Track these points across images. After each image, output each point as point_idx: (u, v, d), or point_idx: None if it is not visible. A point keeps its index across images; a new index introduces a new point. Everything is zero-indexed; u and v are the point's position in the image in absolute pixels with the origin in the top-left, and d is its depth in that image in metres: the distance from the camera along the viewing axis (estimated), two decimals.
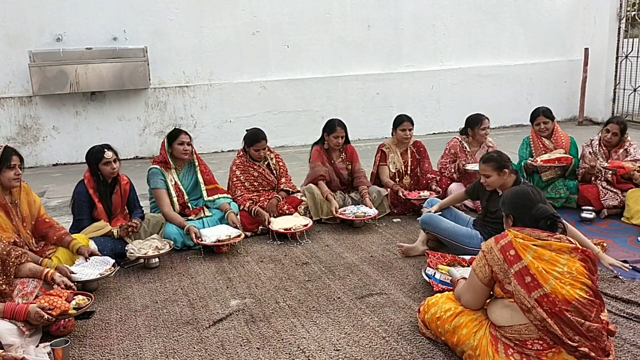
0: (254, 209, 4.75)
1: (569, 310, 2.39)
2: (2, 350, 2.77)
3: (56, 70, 7.67)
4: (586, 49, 9.86)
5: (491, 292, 2.67)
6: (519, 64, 10.08)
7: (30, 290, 3.27)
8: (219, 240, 4.29)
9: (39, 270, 3.35)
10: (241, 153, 5.10)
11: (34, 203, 3.88)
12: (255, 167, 5.03)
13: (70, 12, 7.93)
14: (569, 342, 2.37)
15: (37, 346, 2.98)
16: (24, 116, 7.99)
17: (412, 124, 5.27)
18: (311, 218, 4.86)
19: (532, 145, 5.37)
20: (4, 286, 3.14)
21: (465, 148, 5.38)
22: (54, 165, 8.14)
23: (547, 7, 10.10)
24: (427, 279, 3.56)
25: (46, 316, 2.96)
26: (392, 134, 5.38)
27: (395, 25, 9.40)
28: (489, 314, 2.64)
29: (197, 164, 4.82)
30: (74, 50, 7.83)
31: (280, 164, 5.19)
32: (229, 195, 4.91)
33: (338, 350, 2.92)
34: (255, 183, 5.03)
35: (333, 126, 5.17)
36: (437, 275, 3.51)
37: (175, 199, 4.61)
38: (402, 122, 5.25)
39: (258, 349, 2.96)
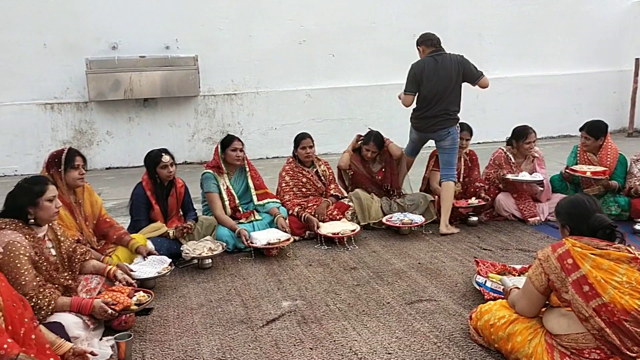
0: (303, 214, 4.84)
1: (628, 320, 2.37)
2: (72, 343, 2.91)
3: (111, 78, 8.00)
4: (637, 59, 9.64)
5: (547, 301, 2.67)
6: (567, 74, 9.93)
7: (93, 286, 3.42)
8: (269, 243, 4.39)
9: (102, 267, 3.51)
10: (291, 159, 5.22)
11: (95, 203, 4.07)
12: (304, 172, 5.14)
13: (125, 21, 8.26)
14: (627, 352, 2.36)
15: (100, 340, 3.13)
16: (79, 121, 8.34)
17: (471, 133, 5.28)
18: (358, 223, 4.92)
19: (578, 156, 5.30)
20: (70, 281, 3.30)
21: (510, 159, 5.32)
22: (106, 168, 8.46)
23: (596, 17, 9.93)
24: (477, 287, 3.57)
25: (110, 311, 3.10)
26: None
27: (441, 34, 9.14)
28: (545, 322, 2.64)
29: (248, 169, 4.95)
30: (128, 58, 8.15)
31: (329, 171, 5.30)
32: (278, 200, 5.02)
33: (390, 353, 2.96)
34: (303, 189, 5.13)
35: (367, 140, 5.25)
36: (488, 284, 3.51)
37: (227, 203, 4.75)
38: (461, 130, 5.23)
39: (311, 349, 3.03)
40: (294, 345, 3.07)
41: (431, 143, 5.23)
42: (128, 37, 8.29)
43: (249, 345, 3.08)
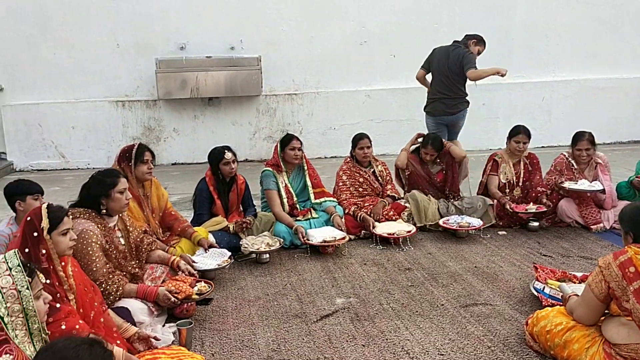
0: (359, 214, 4.89)
1: None
2: (137, 328, 3.08)
3: (179, 77, 8.31)
4: None
5: (607, 310, 2.60)
6: (639, 77, 9.47)
7: (158, 275, 3.60)
8: (324, 241, 4.47)
9: (167, 257, 3.69)
10: (348, 159, 5.27)
11: (162, 196, 4.28)
12: (361, 172, 5.19)
13: (193, 23, 8.56)
14: None
15: (163, 326, 3.30)
16: (148, 118, 8.72)
17: (529, 137, 5.15)
18: (414, 224, 4.91)
19: None
20: (136, 269, 3.49)
21: (572, 165, 5.14)
22: (172, 164, 8.80)
23: None
24: (535, 292, 3.50)
25: (173, 299, 3.26)
26: (506, 144, 5.29)
27: (506, 34, 9.20)
28: (604, 331, 2.58)
29: (306, 167, 5.04)
30: (195, 58, 8.44)
31: (386, 172, 5.32)
32: (335, 199, 5.08)
33: (442, 355, 2.96)
34: (360, 188, 5.18)
35: (425, 143, 5.26)
36: (547, 290, 3.44)
37: (285, 200, 4.86)
38: (518, 133, 5.14)
39: (363, 346, 3.08)
40: (347, 341, 3.13)
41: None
42: (195, 38, 8.59)
43: (303, 339, 3.17)
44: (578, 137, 5.06)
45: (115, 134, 8.67)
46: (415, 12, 8.97)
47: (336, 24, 8.86)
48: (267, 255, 4.39)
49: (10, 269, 1.99)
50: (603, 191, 4.94)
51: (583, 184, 4.94)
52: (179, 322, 3.15)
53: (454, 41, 6.04)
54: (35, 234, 2.52)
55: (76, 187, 3.41)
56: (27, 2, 8.33)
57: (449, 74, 5.91)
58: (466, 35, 6.05)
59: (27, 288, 1.99)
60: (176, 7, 8.55)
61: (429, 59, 6.17)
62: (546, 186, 5.18)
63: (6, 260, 2.02)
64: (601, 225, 4.93)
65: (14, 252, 2.07)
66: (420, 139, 5.42)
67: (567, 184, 4.98)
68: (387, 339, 3.14)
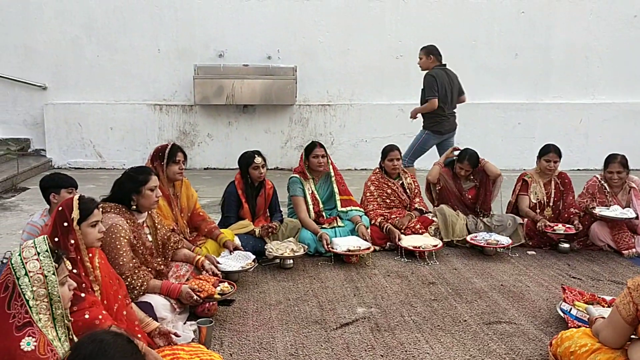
0: (385, 225, 4.87)
1: None
2: (158, 323, 3.13)
3: (216, 84, 8.47)
4: None
5: (634, 333, 2.52)
6: None
7: (182, 273, 3.66)
8: (349, 250, 4.46)
9: (192, 256, 3.74)
10: (377, 170, 5.27)
11: (191, 197, 4.35)
12: (389, 184, 5.17)
13: (232, 31, 8.73)
14: None
15: (184, 323, 3.33)
16: (184, 122, 8.90)
17: (559, 156, 5.06)
18: (441, 239, 4.86)
19: None
20: (162, 266, 3.55)
21: (605, 188, 5.01)
22: (204, 169, 8.94)
23: None
24: (561, 314, 3.42)
25: (195, 297, 3.30)
26: (536, 163, 5.21)
27: (545, 54, 9.08)
28: (630, 355, 2.49)
29: (333, 174, 5.04)
30: (233, 66, 8.60)
31: (415, 184, 5.28)
32: (362, 209, 5.07)
33: None
34: (387, 200, 5.16)
35: (462, 158, 5.25)
36: (573, 312, 3.35)
37: (311, 207, 4.87)
38: (548, 152, 5.07)
39: (382, 356, 3.05)
40: (365, 351, 3.10)
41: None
42: (234, 46, 8.75)
43: (321, 345, 3.16)
44: (610, 159, 4.95)
45: (151, 136, 8.86)
46: (453, 28, 8.94)
47: (373, 37, 8.90)
48: (291, 261, 4.40)
49: (39, 254, 2.05)
50: (636, 218, 4.80)
51: (615, 210, 4.81)
52: (199, 320, 3.19)
53: (444, 64, 6.35)
54: (66, 223, 2.59)
55: (110, 186, 3.50)
56: (74, 4, 8.63)
57: (454, 94, 6.35)
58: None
59: (54, 273, 2.04)
60: (216, 15, 8.74)
61: (437, 86, 6.18)
62: (579, 207, 5.06)
63: (35, 245, 2.08)
64: (634, 250, 4.78)
65: (43, 238, 2.14)
66: (455, 153, 5.39)
67: (598, 210, 4.85)
68: (406, 351, 3.10)
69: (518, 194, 5.21)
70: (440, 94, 6.15)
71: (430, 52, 6.28)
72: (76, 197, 2.70)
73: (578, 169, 8.96)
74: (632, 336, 2.54)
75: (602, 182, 5.05)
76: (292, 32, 8.79)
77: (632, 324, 2.47)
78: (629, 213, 4.77)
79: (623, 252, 4.78)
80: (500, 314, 3.62)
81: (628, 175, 4.98)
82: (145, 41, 8.74)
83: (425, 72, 6.27)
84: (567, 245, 4.89)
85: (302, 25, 8.80)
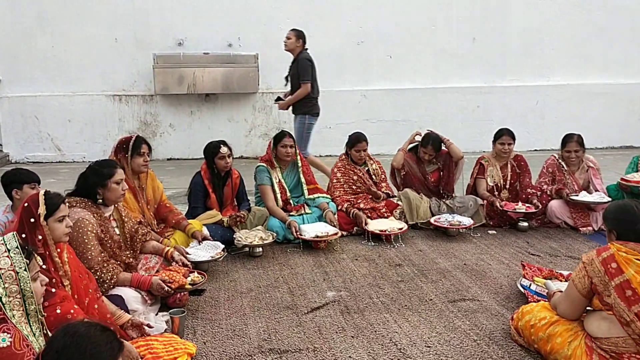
0: (352, 210, 4.96)
1: None
2: (130, 315, 3.13)
3: (176, 73, 8.37)
4: None
5: (589, 305, 2.67)
6: (633, 83, 9.59)
7: (152, 265, 3.66)
8: (317, 236, 4.53)
9: (161, 248, 3.75)
10: (343, 157, 5.34)
11: (157, 189, 4.33)
12: (355, 170, 5.25)
13: (191, 19, 8.63)
14: None
15: (156, 314, 3.34)
16: (145, 113, 8.78)
17: (513, 139, 5.24)
18: (406, 222, 4.98)
19: (639, 168, 5.16)
20: (131, 259, 3.54)
21: (563, 167, 5.22)
22: (168, 159, 8.86)
23: None
24: (522, 289, 3.58)
25: (166, 288, 3.31)
26: (492, 147, 5.38)
27: (502, 38, 9.31)
28: (586, 325, 2.65)
29: (300, 164, 5.10)
30: (193, 55, 8.51)
31: (381, 170, 5.38)
32: (328, 196, 5.15)
33: (429, 347, 3.03)
34: (353, 186, 5.24)
35: (425, 142, 5.31)
36: (533, 287, 3.52)
37: (278, 195, 4.92)
38: (502, 135, 5.25)
39: (352, 337, 3.14)
40: (336, 333, 3.19)
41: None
42: (193, 34, 8.65)
43: (293, 330, 3.23)
44: (567, 138, 5.16)
45: (111, 128, 8.71)
46: (412, 14, 9.06)
47: (333, 23, 8.94)
48: (260, 249, 4.44)
49: (9, 251, 2.04)
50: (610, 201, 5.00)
51: (586, 196, 4.99)
52: (171, 311, 3.20)
53: (307, 48, 6.53)
54: (32, 219, 2.57)
55: (71, 180, 3.46)
56: None
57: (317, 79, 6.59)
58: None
59: (25, 270, 2.04)
60: (174, 3, 8.62)
61: (312, 71, 6.47)
62: (537, 187, 5.26)
63: (5, 242, 2.07)
64: (590, 228, 5.00)
65: (13, 234, 2.12)
66: (417, 137, 5.50)
67: (576, 197, 4.99)
68: (375, 331, 3.20)
69: (476, 177, 5.38)
70: (313, 79, 6.46)
71: (300, 37, 6.47)
72: (42, 192, 2.67)
73: (535, 149, 9.26)
74: (588, 308, 2.70)
75: (560, 161, 5.25)
76: (252, 19, 8.75)
77: (587, 296, 2.62)
78: (603, 198, 4.96)
79: (580, 229, 5.00)
80: (464, 292, 3.76)
81: (584, 154, 5.20)
82: (101, 31, 8.55)
83: (290, 53, 6.53)
84: (525, 224, 5.08)
85: (263, 12, 8.76)
